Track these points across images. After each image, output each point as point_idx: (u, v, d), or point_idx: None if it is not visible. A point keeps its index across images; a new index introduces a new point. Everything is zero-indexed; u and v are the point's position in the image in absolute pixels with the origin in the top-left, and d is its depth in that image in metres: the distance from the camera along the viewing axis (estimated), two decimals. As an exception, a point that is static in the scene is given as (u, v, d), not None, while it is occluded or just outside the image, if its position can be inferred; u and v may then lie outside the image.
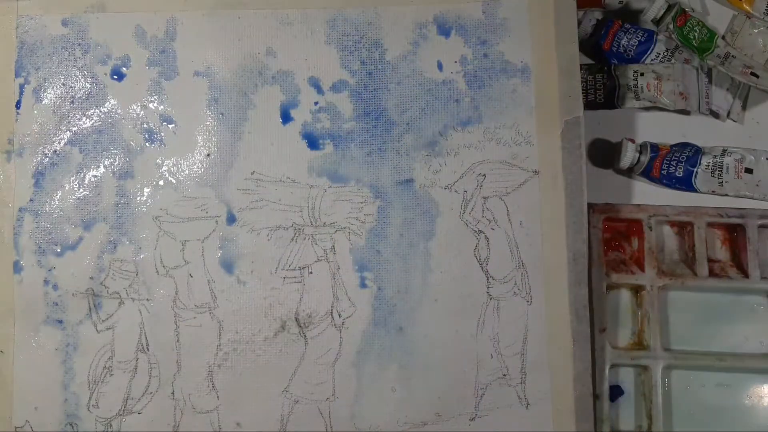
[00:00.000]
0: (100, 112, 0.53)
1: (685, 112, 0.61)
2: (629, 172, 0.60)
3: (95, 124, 0.53)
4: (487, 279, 0.52)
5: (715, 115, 0.61)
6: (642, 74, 0.59)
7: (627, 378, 0.57)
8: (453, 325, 0.52)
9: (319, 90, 0.53)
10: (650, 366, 0.56)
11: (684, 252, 0.59)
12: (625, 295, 0.59)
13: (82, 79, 0.53)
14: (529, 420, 0.51)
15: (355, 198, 0.53)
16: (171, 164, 0.53)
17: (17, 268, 0.52)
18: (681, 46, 0.60)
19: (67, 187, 0.52)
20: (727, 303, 0.58)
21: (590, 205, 0.57)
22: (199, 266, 0.52)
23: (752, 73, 0.58)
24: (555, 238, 0.52)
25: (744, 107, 0.61)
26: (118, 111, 0.53)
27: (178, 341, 0.52)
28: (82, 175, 0.53)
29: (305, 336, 0.52)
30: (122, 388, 0.51)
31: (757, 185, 0.58)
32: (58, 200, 0.52)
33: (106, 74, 0.53)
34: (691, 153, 0.58)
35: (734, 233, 0.59)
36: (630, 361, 0.56)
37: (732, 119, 0.61)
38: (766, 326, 0.58)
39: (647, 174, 0.59)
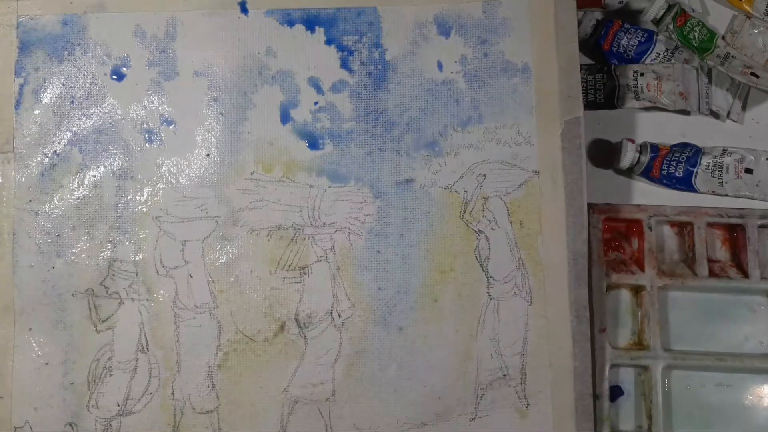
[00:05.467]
0: (100, 112, 0.53)
1: (685, 112, 0.61)
2: (629, 172, 0.60)
3: (95, 124, 0.53)
4: (487, 279, 0.52)
5: (715, 115, 0.61)
6: (642, 74, 0.59)
7: (627, 378, 0.57)
8: (453, 325, 0.52)
9: (319, 90, 0.53)
10: (650, 366, 0.56)
11: (684, 252, 0.59)
12: (625, 295, 0.59)
13: (82, 79, 0.53)
14: (529, 420, 0.51)
15: (355, 198, 0.53)
16: (171, 164, 0.53)
17: (17, 268, 0.52)
18: (681, 46, 0.60)
19: (67, 187, 0.52)
20: (727, 303, 0.58)
21: (590, 205, 0.57)
22: (199, 266, 0.52)
23: (752, 73, 0.58)
24: (555, 238, 0.52)
25: (744, 107, 0.61)
26: (118, 111, 0.53)
27: (178, 341, 0.52)
28: (82, 175, 0.53)
29: (305, 336, 0.52)
30: (122, 388, 0.51)
31: (757, 185, 0.58)
32: (58, 200, 0.52)
33: (106, 74, 0.53)
34: (691, 153, 0.58)
35: (734, 233, 0.59)
36: (630, 361, 0.56)
37: (732, 119, 0.61)
38: (766, 326, 0.58)
39: (647, 174, 0.59)
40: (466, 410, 0.51)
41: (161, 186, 0.53)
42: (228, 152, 0.53)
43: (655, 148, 0.59)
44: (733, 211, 0.58)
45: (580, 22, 0.61)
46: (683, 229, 0.59)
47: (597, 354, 0.55)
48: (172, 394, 0.51)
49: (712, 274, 0.57)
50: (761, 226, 0.58)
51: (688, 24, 0.58)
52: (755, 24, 0.59)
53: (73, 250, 0.52)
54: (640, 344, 0.57)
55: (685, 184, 0.59)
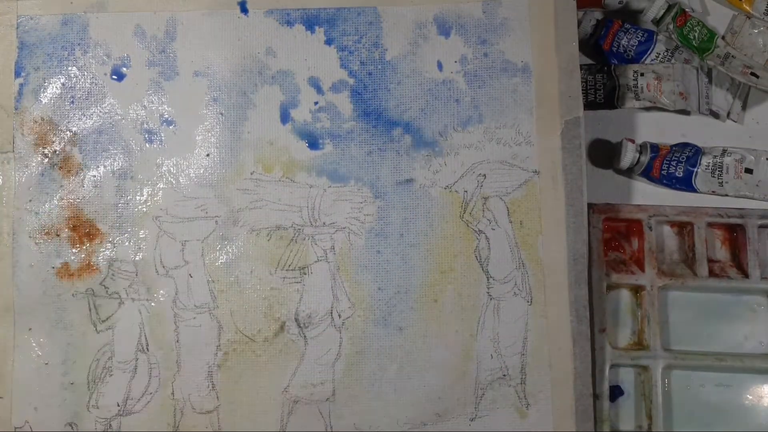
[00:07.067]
0: (100, 112, 0.53)
1: (685, 112, 0.61)
2: (629, 172, 0.60)
3: (95, 124, 0.53)
4: (488, 279, 0.52)
5: (715, 115, 0.61)
6: (642, 74, 0.59)
7: (627, 378, 0.57)
8: (453, 325, 0.52)
9: (319, 90, 0.53)
10: (650, 366, 0.56)
11: (684, 252, 0.59)
12: (625, 295, 0.59)
13: (82, 79, 0.53)
14: (529, 420, 0.52)
15: (355, 198, 0.53)
16: (171, 164, 0.53)
17: (17, 268, 0.52)
18: (681, 46, 0.60)
19: (67, 187, 0.52)
20: (727, 303, 0.58)
21: (590, 205, 0.57)
22: (198, 266, 0.52)
23: (752, 73, 0.58)
24: (555, 239, 0.52)
25: (744, 107, 0.61)
26: (118, 111, 0.53)
27: (177, 341, 0.52)
28: (82, 175, 0.53)
29: (305, 336, 0.52)
30: (122, 388, 0.51)
31: (757, 185, 0.58)
32: (57, 200, 0.52)
33: (106, 74, 0.53)
34: (691, 153, 0.58)
35: (734, 233, 0.59)
36: (630, 361, 0.56)
37: (732, 119, 0.61)
38: (766, 326, 0.58)
39: (647, 174, 0.59)
40: (466, 410, 0.52)
41: (161, 186, 0.53)
42: (228, 152, 0.53)
43: (655, 148, 0.59)
44: (733, 211, 0.58)
45: (580, 22, 0.61)
46: (683, 229, 0.59)
47: (597, 354, 0.55)
48: (172, 394, 0.51)
49: (712, 274, 0.57)
50: (761, 226, 0.58)
51: (688, 24, 0.58)
52: (755, 24, 0.59)
53: (73, 251, 0.52)
54: (640, 344, 0.57)
55: (685, 184, 0.59)
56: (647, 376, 0.56)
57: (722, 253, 0.60)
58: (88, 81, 0.53)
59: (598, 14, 0.62)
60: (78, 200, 0.52)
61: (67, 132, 0.53)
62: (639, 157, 0.58)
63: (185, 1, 0.54)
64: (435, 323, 0.52)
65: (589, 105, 0.59)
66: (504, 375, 0.52)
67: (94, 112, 0.53)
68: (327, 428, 0.51)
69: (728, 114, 0.61)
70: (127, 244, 0.52)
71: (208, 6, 0.53)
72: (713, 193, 0.59)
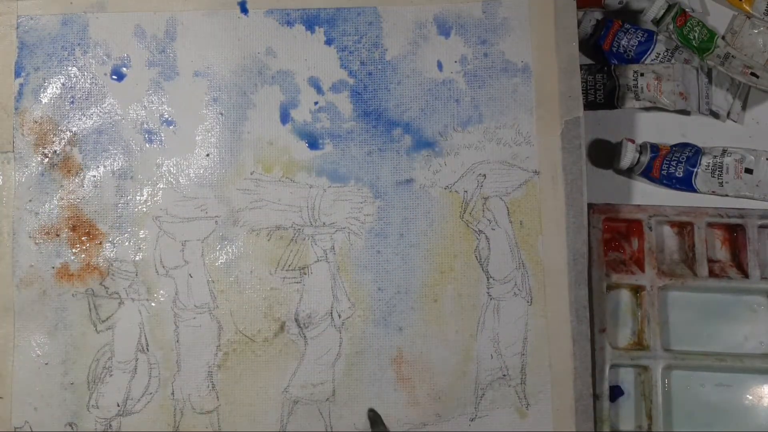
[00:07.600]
0: (100, 112, 0.53)
1: (685, 112, 0.61)
2: (629, 172, 0.60)
3: (95, 124, 0.53)
4: (488, 279, 0.52)
5: (715, 115, 0.61)
6: (642, 74, 0.59)
7: (627, 378, 0.57)
8: (453, 325, 0.52)
9: (319, 90, 0.53)
10: (650, 366, 0.56)
11: (684, 252, 0.59)
12: (625, 295, 0.59)
13: (82, 79, 0.53)
14: (529, 420, 0.51)
15: (354, 198, 0.53)
16: (171, 164, 0.53)
17: (17, 268, 0.52)
18: (681, 47, 0.60)
19: (67, 187, 0.52)
20: (727, 303, 0.58)
21: (590, 205, 0.57)
22: (198, 266, 0.52)
23: (752, 73, 0.58)
24: (555, 238, 0.52)
25: (744, 107, 0.61)
26: (118, 111, 0.53)
27: (177, 341, 0.52)
28: (82, 175, 0.53)
29: (305, 336, 0.52)
30: (122, 389, 0.51)
31: (757, 185, 0.58)
32: (57, 200, 0.52)
33: (106, 74, 0.53)
34: (691, 153, 0.58)
35: (734, 233, 0.59)
36: (630, 361, 0.56)
37: (732, 119, 0.61)
38: (766, 326, 0.58)
39: (647, 174, 0.59)
40: (466, 410, 0.51)
41: (161, 186, 0.53)
42: (228, 152, 0.53)
43: (655, 148, 0.59)
44: (733, 211, 0.58)
45: (580, 22, 0.61)
46: (683, 229, 0.59)
47: (597, 354, 0.55)
48: (172, 394, 0.51)
49: (712, 274, 0.57)
50: (761, 226, 0.58)
51: (688, 24, 0.58)
52: (755, 24, 0.59)
53: (73, 251, 0.52)
54: (640, 344, 0.57)
55: (685, 184, 0.59)
56: (647, 376, 0.56)
57: (722, 253, 0.60)
58: (88, 81, 0.53)
59: (598, 14, 0.62)
60: (78, 200, 0.52)
61: (67, 132, 0.53)
62: (639, 157, 0.58)
63: (185, 1, 0.54)
64: (435, 323, 0.52)
65: (589, 105, 0.59)
66: (504, 375, 0.52)
67: (94, 112, 0.53)
68: (327, 428, 0.51)
69: (728, 114, 0.61)
70: (127, 244, 0.52)
71: (208, 6, 0.53)
72: (713, 193, 0.59)
